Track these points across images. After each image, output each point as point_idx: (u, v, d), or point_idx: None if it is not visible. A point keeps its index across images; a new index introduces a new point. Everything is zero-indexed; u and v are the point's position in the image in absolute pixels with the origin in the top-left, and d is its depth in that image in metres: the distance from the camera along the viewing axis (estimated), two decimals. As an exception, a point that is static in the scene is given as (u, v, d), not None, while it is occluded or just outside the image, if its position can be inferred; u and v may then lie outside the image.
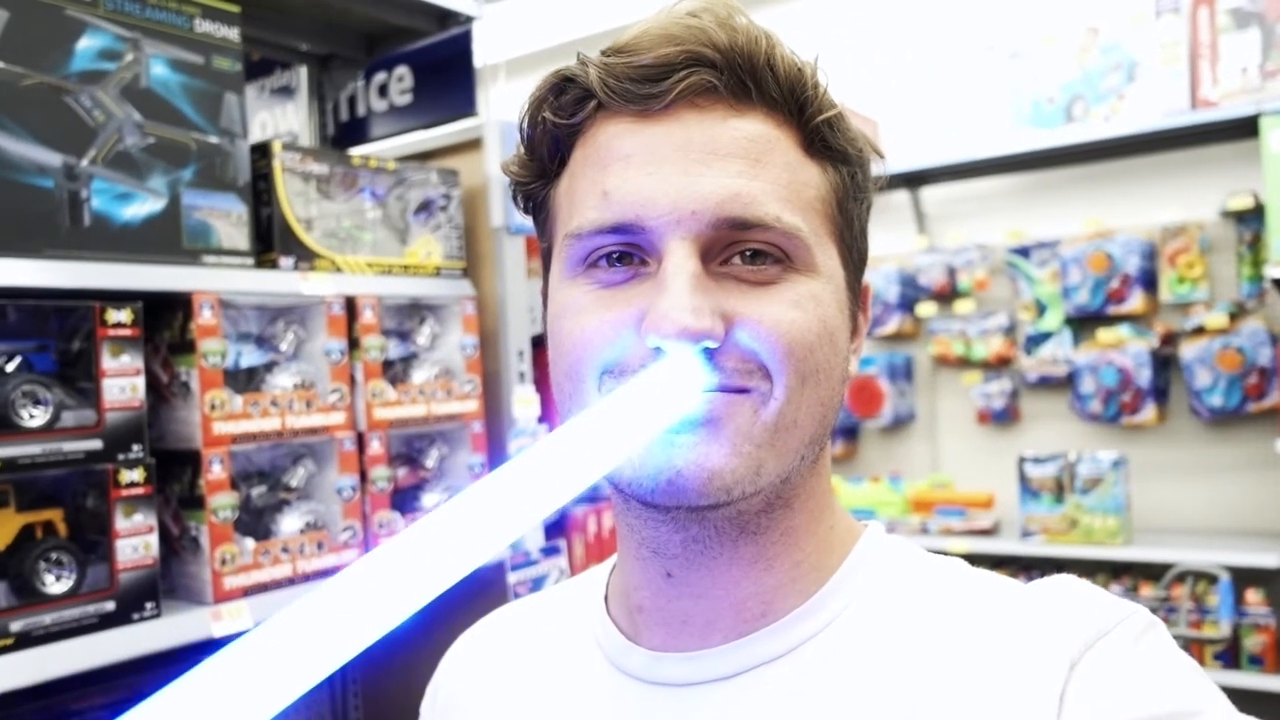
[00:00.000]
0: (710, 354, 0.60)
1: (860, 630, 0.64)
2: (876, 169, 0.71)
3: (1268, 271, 2.97)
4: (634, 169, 0.61)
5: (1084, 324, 3.60)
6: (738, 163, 0.61)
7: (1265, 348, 3.19)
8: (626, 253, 0.63)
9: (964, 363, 3.87)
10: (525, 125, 0.68)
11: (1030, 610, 0.62)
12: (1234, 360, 3.22)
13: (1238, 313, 3.27)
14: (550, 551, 2.01)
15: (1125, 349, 3.41)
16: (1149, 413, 3.40)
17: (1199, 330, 3.29)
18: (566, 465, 0.54)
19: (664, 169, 0.61)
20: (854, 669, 0.62)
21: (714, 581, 0.66)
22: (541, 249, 0.73)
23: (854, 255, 0.68)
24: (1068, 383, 3.61)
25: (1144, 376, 3.38)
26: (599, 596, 0.75)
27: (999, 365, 3.81)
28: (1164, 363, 3.44)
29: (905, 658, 0.62)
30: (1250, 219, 3.27)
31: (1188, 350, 3.31)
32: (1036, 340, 3.68)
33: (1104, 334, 3.46)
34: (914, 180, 3.88)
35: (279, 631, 0.44)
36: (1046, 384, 3.69)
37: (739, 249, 0.62)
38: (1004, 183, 3.85)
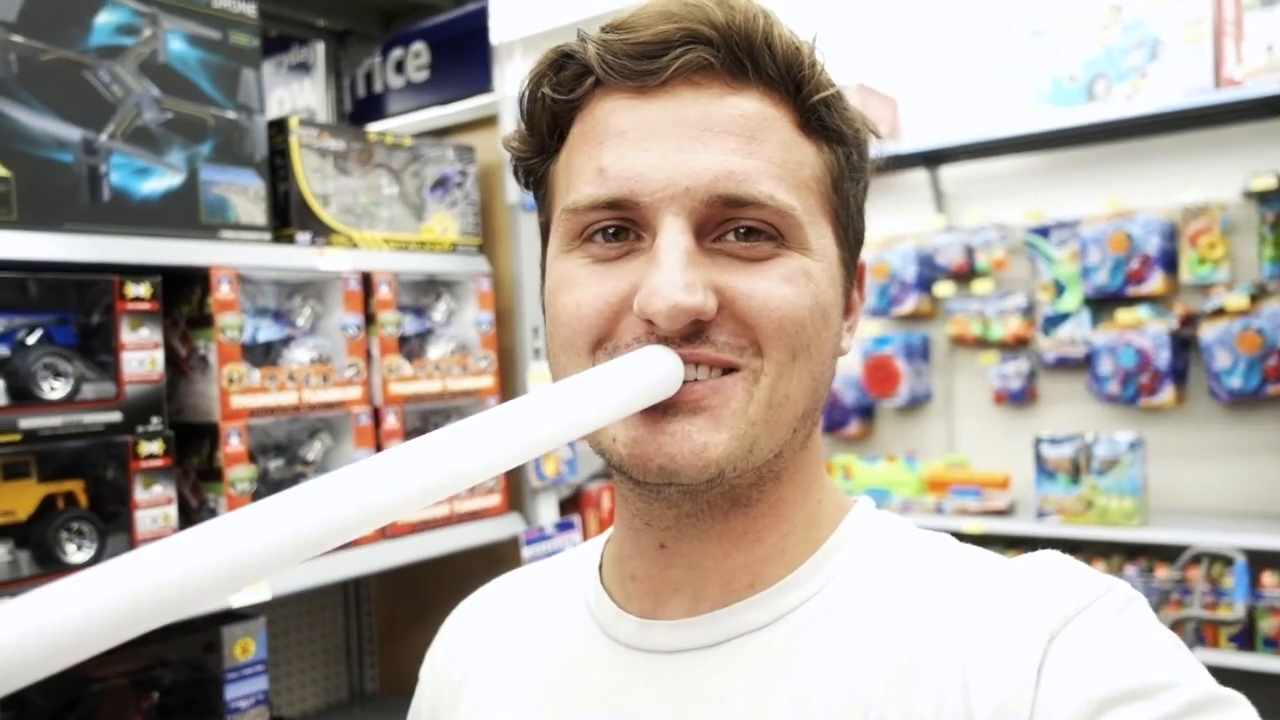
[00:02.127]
0: (702, 327, 0.61)
1: (844, 602, 0.65)
2: (875, 150, 0.71)
3: (1290, 252, 2.94)
4: (629, 145, 0.62)
5: (1103, 305, 3.57)
6: (732, 140, 0.61)
7: (1286, 329, 3.16)
8: (622, 228, 0.63)
9: (981, 343, 3.85)
10: (525, 101, 0.68)
11: (1013, 585, 0.62)
12: (1254, 342, 3.20)
13: (1258, 294, 3.24)
14: (564, 527, 2.02)
15: (1144, 330, 3.38)
16: (1167, 394, 3.37)
17: (1219, 312, 3.26)
18: (545, 420, 0.56)
19: (659, 145, 0.61)
20: (837, 640, 0.63)
21: (705, 553, 0.67)
22: (540, 223, 0.73)
23: (849, 234, 0.69)
24: (1085, 364, 3.59)
25: (1163, 358, 3.35)
26: (593, 565, 0.77)
27: (1016, 346, 3.79)
28: (1183, 344, 3.41)
29: (888, 630, 0.62)
30: (1273, 199, 3.23)
31: (1207, 332, 3.28)
32: (1055, 321, 3.66)
33: (1123, 315, 3.44)
34: (933, 159, 3.85)
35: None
36: (1064, 365, 3.67)
37: (732, 226, 0.62)
38: (1024, 162, 3.82)
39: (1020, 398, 3.78)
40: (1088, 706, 0.54)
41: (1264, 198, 3.25)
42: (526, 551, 1.94)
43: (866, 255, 3.30)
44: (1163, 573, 3.19)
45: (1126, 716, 0.53)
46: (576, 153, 0.66)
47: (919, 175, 3.96)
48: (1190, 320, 3.39)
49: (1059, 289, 3.65)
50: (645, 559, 0.69)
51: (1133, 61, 3.36)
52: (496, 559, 1.97)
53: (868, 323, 4.03)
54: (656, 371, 0.60)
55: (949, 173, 3.96)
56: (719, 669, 0.65)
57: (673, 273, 0.59)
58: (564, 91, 0.66)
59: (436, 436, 0.52)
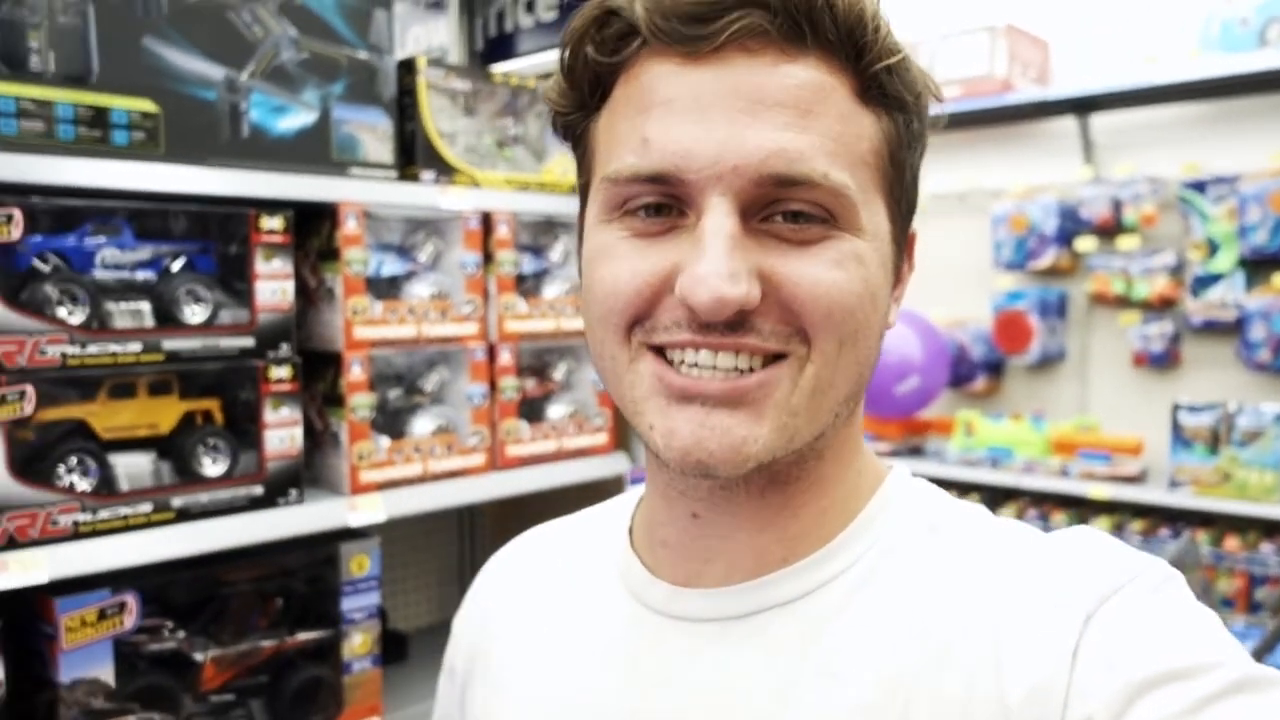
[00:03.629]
0: (746, 316, 0.58)
1: (877, 578, 0.64)
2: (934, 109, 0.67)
3: None
4: (676, 115, 0.58)
5: (1259, 267, 3.35)
6: (786, 113, 0.58)
7: None
8: (664, 203, 0.60)
9: (1123, 302, 3.68)
10: (566, 56, 0.64)
11: (1049, 562, 0.61)
12: None
13: None
14: (670, 468, 2.06)
15: (1303, 296, 3.17)
16: (1324, 366, 3.17)
17: (1391, 280, 3.03)
18: None
19: (708, 117, 0.58)
20: (869, 617, 0.63)
21: (739, 525, 0.66)
22: (579, 183, 0.70)
23: (903, 207, 0.66)
24: (1235, 329, 3.39)
25: (1322, 327, 3.15)
26: (624, 528, 0.76)
27: (1161, 306, 3.60)
28: (1347, 313, 3.19)
29: (921, 608, 0.62)
30: None
31: (1375, 301, 3.06)
32: (1205, 282, 3.46)
33: (1281, 279, 3.23)
34: (1083, 106, 3.66)
35: None
36: (1212, 329, 3.48)
37: (781, 207, 0.59)
38: (1183, 111, 3.59)
39: (1161, 361, 3.61)
40: (1127, 688, 0.53)
41: None
42: (633, 490, 1.98)
43: (1005, 206, 3.17)
44: (1302, 553, 3.03)
45: (1167, 698, 0.52)
46: (619, 116, 0.62)
47: (1067, 123, 3.77)
48: (1357, 288, 3.16)
49: (1212, 248, 3.44)
50: (677, 527, 0.68)
51: (1313, 5, 3.11)
52: (603, 496, 2.02)
53: (1000, 276, 3.90)
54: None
55: (1100, 121, 3.75)
56: (748, 640, 0.64)
57: (717, 261, 0.56)
58: (606, 52, 0.62)
59: None
